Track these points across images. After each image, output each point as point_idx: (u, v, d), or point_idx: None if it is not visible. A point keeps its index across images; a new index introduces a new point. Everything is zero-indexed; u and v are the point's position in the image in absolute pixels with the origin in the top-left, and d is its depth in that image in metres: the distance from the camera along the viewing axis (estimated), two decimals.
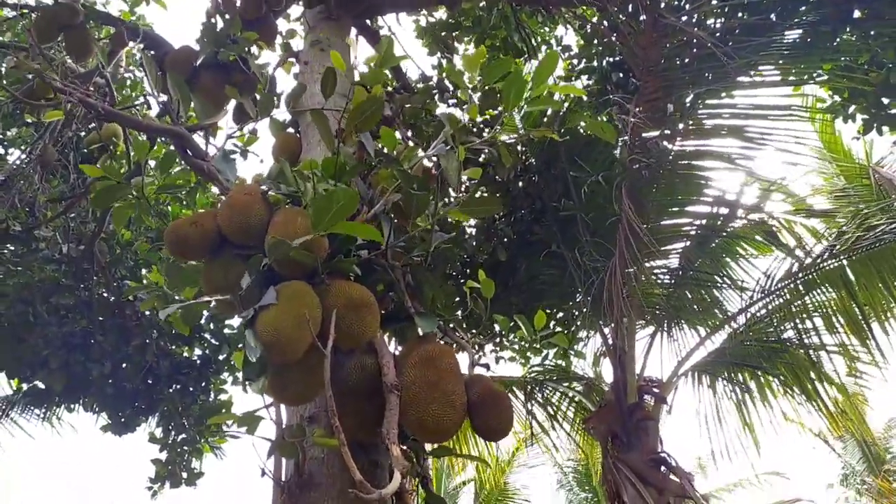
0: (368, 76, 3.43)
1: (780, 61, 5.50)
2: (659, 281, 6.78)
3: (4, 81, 5.61)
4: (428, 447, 3.35)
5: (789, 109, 5.40)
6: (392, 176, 3.39)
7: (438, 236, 3.36)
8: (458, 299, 6.38)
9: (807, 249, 6.42)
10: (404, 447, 3.11)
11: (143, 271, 6.96)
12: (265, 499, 3.22)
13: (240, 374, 7.05)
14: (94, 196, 3.08)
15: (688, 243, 6.41)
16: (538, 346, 6.80)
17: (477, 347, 6.00)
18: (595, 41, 6.86)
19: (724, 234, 6.44)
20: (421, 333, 3.22)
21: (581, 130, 6.42)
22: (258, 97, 4.85)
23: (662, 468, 5.98)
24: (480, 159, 5.78)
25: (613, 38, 6.19)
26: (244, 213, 2.97)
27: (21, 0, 6.85)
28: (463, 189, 5.03)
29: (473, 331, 6.27)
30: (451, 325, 3.65)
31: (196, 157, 3.68)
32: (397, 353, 3.29)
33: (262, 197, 3.11)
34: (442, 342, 3.40)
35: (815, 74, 5.83)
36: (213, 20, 4.80)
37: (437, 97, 6.48)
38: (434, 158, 3.34)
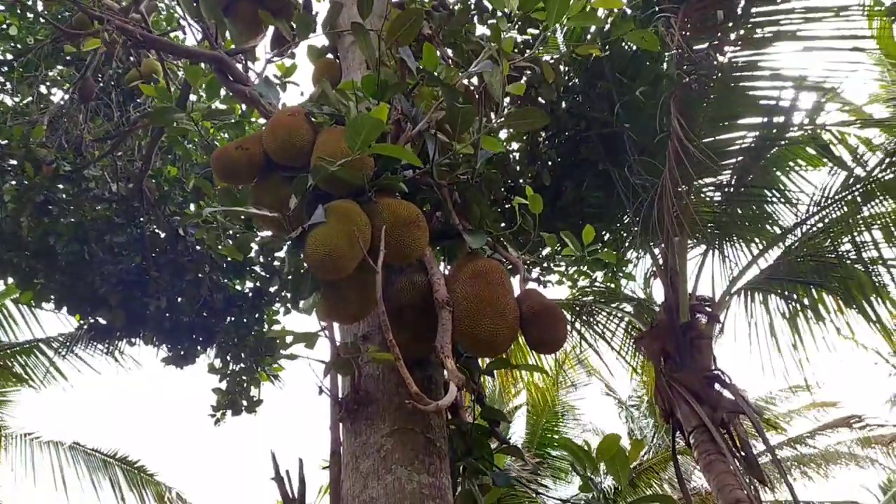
0: None
1: None
2: (709, 198, 6.62)
3: (44, 18, 5.62)
4: (482, 363, 3.37)
5: (846, 10, 5.13)
6: (435, 94, 3.32)
7: (484, 153, 3.29)
8: (503, 224, 6.32)
9: (861, 161, 6.18)
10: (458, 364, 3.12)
11: (192, 206, 7.05)
12: (323, 420, 3.31)
13: (290, 305, 7.16)
14: (152, 114, 3.09)
15: (740, 158, 6.22)
16: (585, 267, 6.73)
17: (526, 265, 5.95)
18: None
19: (777, 145, 6.22)
20: (470, 250, 3.19)
21: (625, 46, 6.19)
22: (294, 22, 4.77)
23: (716, 385, 5.96)
24: (522, 80, 5.63)
25: None
26: (289, 135, 2.94)
27: None
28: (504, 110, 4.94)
29: (519, 251, 6.23)
30: (501, 241, 3.61)
31: (237, 83, 3.65)
32: (447, 272, 3.28)
33: (306, 118, 3.08)
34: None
35: None
36: None
37: (475, 18, 6.29)
38: (475, 78, 3.25)
